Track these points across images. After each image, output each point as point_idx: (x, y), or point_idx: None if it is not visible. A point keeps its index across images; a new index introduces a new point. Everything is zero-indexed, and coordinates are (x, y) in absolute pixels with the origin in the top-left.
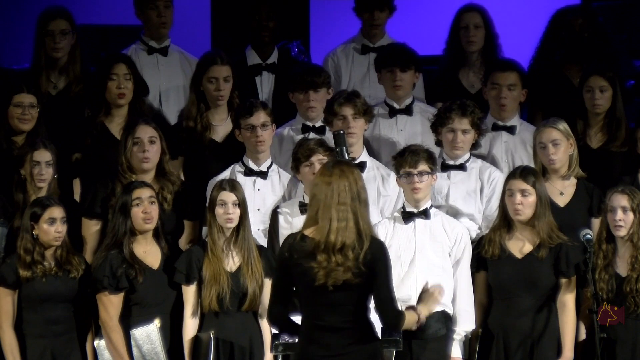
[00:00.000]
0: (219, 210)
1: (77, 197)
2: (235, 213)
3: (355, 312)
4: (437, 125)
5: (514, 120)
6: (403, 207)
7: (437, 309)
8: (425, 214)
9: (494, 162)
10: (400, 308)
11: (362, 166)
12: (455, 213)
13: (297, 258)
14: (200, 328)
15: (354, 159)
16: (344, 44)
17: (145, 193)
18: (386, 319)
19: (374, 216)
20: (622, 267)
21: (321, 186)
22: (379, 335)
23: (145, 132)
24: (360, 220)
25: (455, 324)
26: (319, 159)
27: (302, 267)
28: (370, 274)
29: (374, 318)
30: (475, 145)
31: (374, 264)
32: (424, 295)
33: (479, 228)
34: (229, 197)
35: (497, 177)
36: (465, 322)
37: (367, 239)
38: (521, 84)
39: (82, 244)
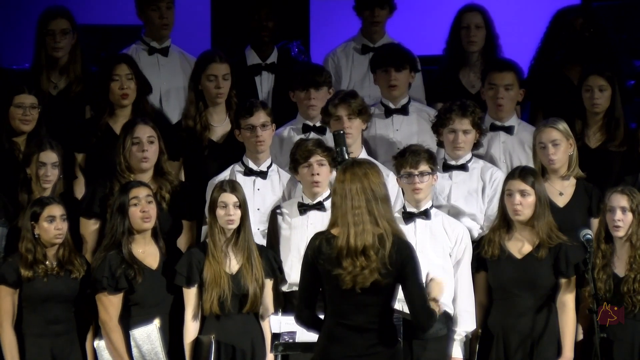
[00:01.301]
0: (220, 212)
1: (79, 196)
2: (237, 214)
3: (382, 314)
4: (438, 126)
5: (512, 121)
6: (404, 207)
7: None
8: (425, 215)
9: (492, 162)
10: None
11: None
12: (457, 213)
13: (324, 262)
14: (201, 331)
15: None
16: (343, 44)
17: (142, 192)
18: (420, 320)
19: None
20: (619, 267)
21: (337, 192)
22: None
23: (144, 131)
24: (379, 219)
25: (456, 324)
26: (317, 160)
27: (329, 272)
28: (398, 274)
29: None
30: (476, 145)
31: (403, 266)
32: (430, 284)
33: (481, 228)
34: (229, 198)
35: (499, 177)
36: (466, 323)
37: (389, 238)
38: (518, 84)
39: (82, 244)
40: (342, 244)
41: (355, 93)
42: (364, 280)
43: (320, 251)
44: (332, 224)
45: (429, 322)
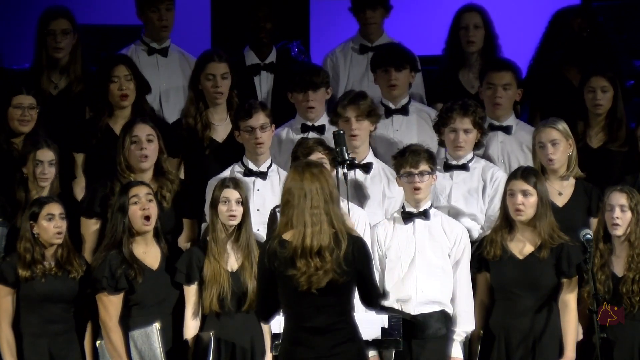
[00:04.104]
0: (222, 208)
1: (79, 197)
2: (238, 210)
3: (341, 313)
4: (440, 125)
5: (510, 120)
6: (403, 207)
7: (437, 308)
8: (425, 215)
9: (490, 162)
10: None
11: (368, 167)
12: (457, 213)
13: (278, 265)
14: (202, 329)
15: (354, 158)
16: (342, 44)
17: (142, 191)
18: (370, 303)
19: (379, 217)
20: (618, 267)
21: (293, 191)
22: (379, 335)
23: (143, 130)
24: (335, 221)
25: (455, 324)
26: (318, 157)
27: (284, 275)
28: (354, 272)
29: (358, 318)
30: (478, 145)
31: (358, 262)
32: None
33: (482, 228)
34: (232, 194)
35: (499, 177)
36: (465, 323)
37: (345, 239)
38: (516, 84)
39: (82, 244)
40: (297, 244)
41: (365, 94)
42: (318, 280)
43: (274, 255)
44: (285, 225)
45: (378, 301)
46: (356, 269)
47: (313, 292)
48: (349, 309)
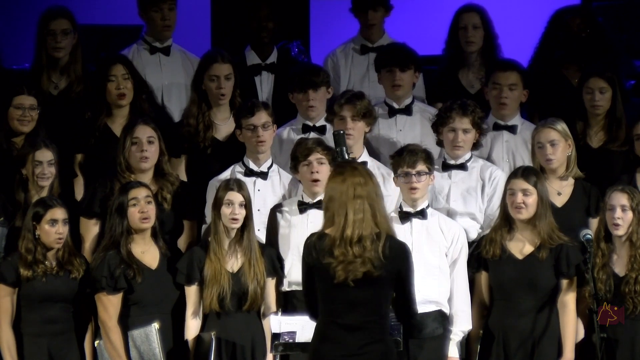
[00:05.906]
0: (225, 210)
1: (79, 197)
2: (241, 213)
3: (374, 311)
4: (438, 124)
5: (515, 120)
6: (400, 207)
7: (434, 308)
8: (422, 214)
9: (495, 161)
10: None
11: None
12: (456, 213)
13: (317, 257)
14: (203, 329)
15: (354, 159)
16: (343, 44)
17: (141, 193)
18: (403, 320)
19: None
20: (619, 267)
21: (336, 185)
22: None
23: (144, 132)
24: (378, 214)
25: (452, 324)
26: (317, 158)
27: (322, 265)
28: (392, 270)
29: None
30: (476, 145)
31: (398, 265)
32: None
33: (481, 227)
34: (236, 197)
35: (498, 176)
36: (462, 322)
37: (384, 233)
38: (522, 84)
39: (81, 244)
40: (337, 235)
41: (362, 94)
42: (355, 269)
43: (314, 248)
44: (328, 221)
45: (413, 322)
46: (394, 268)
47: (349, 284)
48: (382, 306)
